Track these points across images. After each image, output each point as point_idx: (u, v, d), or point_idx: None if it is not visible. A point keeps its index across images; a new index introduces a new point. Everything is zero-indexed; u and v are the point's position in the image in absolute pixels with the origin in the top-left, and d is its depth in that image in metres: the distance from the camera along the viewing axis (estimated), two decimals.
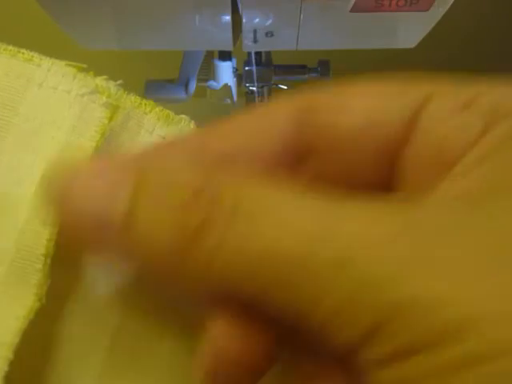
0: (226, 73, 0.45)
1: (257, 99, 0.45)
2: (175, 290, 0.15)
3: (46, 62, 0.17)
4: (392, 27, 0.35)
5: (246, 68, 0.44)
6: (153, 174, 0.11)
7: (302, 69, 0.45)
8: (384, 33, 0.36)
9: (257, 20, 0.34)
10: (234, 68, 0.45)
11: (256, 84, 0.44)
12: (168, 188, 0.11)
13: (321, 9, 0.33)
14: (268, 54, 0.44)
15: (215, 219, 0.10)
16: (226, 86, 0.44)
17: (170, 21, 0.34)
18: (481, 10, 0.67)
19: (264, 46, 0.38)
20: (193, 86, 0.44)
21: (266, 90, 0.46)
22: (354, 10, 0.32)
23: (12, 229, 0.15)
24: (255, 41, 0.36)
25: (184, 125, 0.17)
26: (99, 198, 0.11)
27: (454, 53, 0.69)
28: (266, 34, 0.35)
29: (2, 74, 0.16)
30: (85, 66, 0.17)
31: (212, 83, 0.45)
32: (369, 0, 0.32)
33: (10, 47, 0.17)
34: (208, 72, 0.45)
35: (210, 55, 0.45)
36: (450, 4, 0.33)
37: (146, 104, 0.17)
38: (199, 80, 0.45)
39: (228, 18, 0.34)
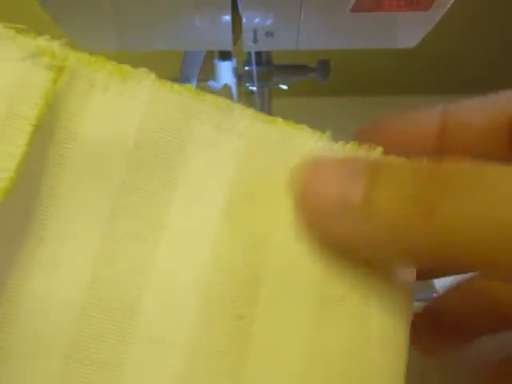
0: (225, 73, 0.45)
1: (257, 99, 0.45)
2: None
3: None
4: (392, 27, 0.35)
5: (246, 68, 0.44)
6: (385, 162, 0.13)
7: (302, 69, 0.45)
8: (384, 33, 0.36)
9: (257, 20, 0.34)
10: (233, 68, 0.45)
11: (256, 84, 0.44)
12: (402, 171, 0.12)
13: (321, 9, 0.33)
14: (268, 53, 0.44)
15: (448, 195, 0.11)
16: (226, 86, 0.44)
17: (170, 21, 0.34)
18: (480, 9, 0.67)
19: (264, 46, 0.38)
20: (193, 85, 0.44)
21: (266, 89, 0.45)
22: (354, 9, 0.32)
23: None
24: (255, 41, 0.36)
25: (143, 78, 0.17)
26: (341, 183, 0.13)
27: (455, 53, 0.69)
28: (266, 34, 0.35)
29: None
30: (23, 27, 0.16)
31: (212, 83, 0.45)
32: (369, 0, 0.32)
33: None
34: (208, 72, 0.45)
35: (209, 55, 0.44)
36: (450, 4, 0.33)
37: (96, 61, 0.16)
38: (199, 80, 0.45)
39: (228, 17, 0.34)
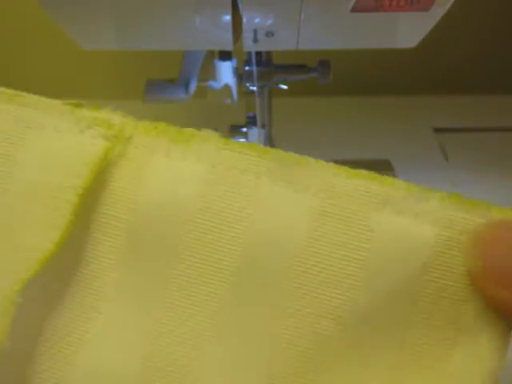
0: (226, 73, 0.45)
1: (257, 99, 0.45)
2: None
3: (43, 103, 0.16)
4: (392, 27, 0.35)
5: (246, 68, 0.44)
6: None
7: (302, 69, 0.45)
8: (384, 33, 0.36)
9: (257, 20, 0.34)
10: (234, 68, 0.45)
11: (256, 84, 0.44)
12: None
13: (321, 9, 0.33)
14: (268, 53, 0.44)
15: None
16: (227, 86, 0.44)
17: (170, 21, 0.34)
18: (480, 10, 0.67)
19: (264, 46, 0.38)
20: (193, 86, 0.44)
21: (266, 89, 0.45)
22: (355, 9, 0.32)
23: None
24: (255, 41, 0.36)
25: (203, 139, 0.16)
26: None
27: (454, 53, 0.69)
28: (267, 34, 0.35)
29: (4, 122, 0.16)
30: (83, 102, 0.16)
31: (212, 83, 0.45)
32: (369, 0, 0.32)
33: (8, 91, 0.16)
34: (208, 72, 0.45)
35: (210, 55, 0.44)
36: (450, 4, 0.33)
37: (155, 128, 0.16)
38: (199, 80, 0.45)
39: (228, 17, 0.34)
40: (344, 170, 0.17)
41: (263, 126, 0.47)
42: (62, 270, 0.15)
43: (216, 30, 0.34)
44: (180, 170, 0.16)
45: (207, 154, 0.16)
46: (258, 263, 0.16)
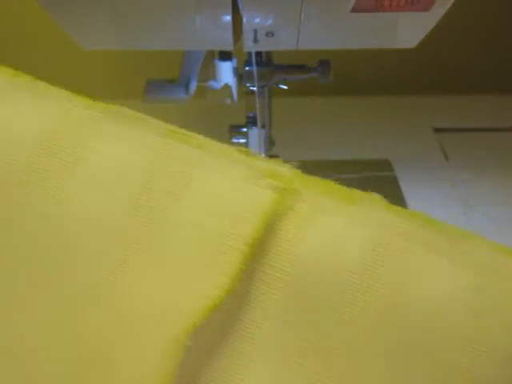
0: (226, 73, 0.44)
1: (257, 99, 0.45)
2: None
3: (217, 147, 0.16)
4: (392, 27, 0.35)
5: (247, 68, 0.44)
6: None
7: (302, 69, 0.45)
8: (384, 33, 0.36)
9: (257, 20, 0.34)
10: (234, 68, 0.45)
11: (256, 84, 0.44)
12: None
13: (321, 9, 0.33)
14: (268, 53, 0.44)
15: None
16: (227, 86, 0.44)
17: (170, 21, 0.34)
18: (480, 10, 0.67)
19: (264, 46, 0.38)
20: (193, 86, 0.44)
21: (266, 89, 0.45)
22: (355, 10, 0.32)
23: None
24: (255, 41, 0.36)
25: (370, 203, 0.16)
26: None
27: (455, 53, 0.69)
28: (267, 34, 0.35)
29: (173, 160, 0.16)
30: (254, 150, 0.16)
31: (212, 83, 0.45)
32: (369, 0, 0.32)
33: (182, 130, 0.16)
34: (208, 72, 0.45)
35: (210, 55, 0.44)
36: (450, 4, 0.33)
37: (323, 185, 0.16)
38: (199, 80, 0.44)
39: (228, 17, 0.34)
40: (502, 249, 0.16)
41: (263, 126, 0.47)
42: (224, 317, 0.15)
43: (216, 30, 0.34)
44: (345, 232, 0.16)
45: (374, 219, 0.16)
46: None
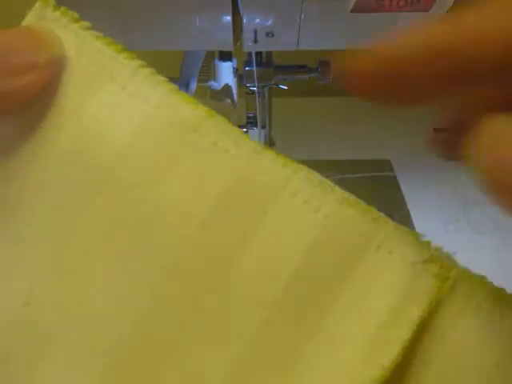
0: (226, 73, 0.45)
1: (257, 99, 0.45)
2: None
3: (390, 225, 0.16)
4: (392, 27, 0.35)
5: (247, 68, 0.44)
6: None
7: (302, 69, 0.45)
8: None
9: (257, 20, 0.34)
10: (234, 68, 0.45)
11: (256, 84, 0.44)
12: None
13: (321, 9, 0.33)
14: (268, 54, 0.44)
15: None
16: (227, 87, 0.44)
17: (171, 21, 0.34)
18: None
19: (264, 47, 0.38)
20: (193, 86, 0.44)
21: (266, 90, 0.46)
22: (355, 10, 0.32)
23: None
24: (256, 41, 0.36)
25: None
26: None
27: None
28: (267, 35, 0.35)
29: (348, 231, 0.16)
30: (421, 233, 0.16)
31: (212, 83, 0.45)
32: (369, 0, 0.32)
33: (361, 202, 0.17)
34: (208, 72, 0.45)
35: (210, 55, 0.45)
36: (450, 4, 0.33)
37: (476, 278, 0.16)
38: (200, 80, 0.45)
39: (228, 18, 0.34)
40: None
41: (263, 126, 0.48)
42: None
43: (216, 30, 0.35)
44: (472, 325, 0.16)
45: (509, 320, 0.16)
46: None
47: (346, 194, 0.16)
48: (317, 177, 0.16)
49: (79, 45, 0.17)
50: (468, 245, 0.45)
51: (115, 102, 0.16)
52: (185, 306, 0.16)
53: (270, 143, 0.50)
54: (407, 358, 0.16)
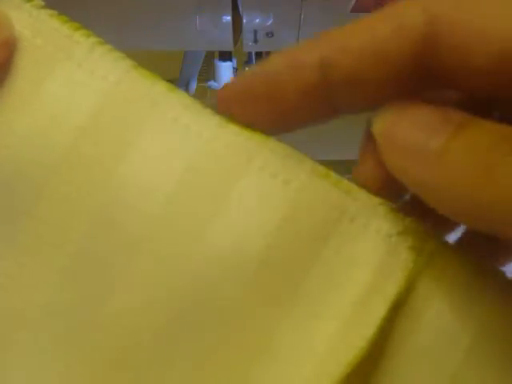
0: (226, 73, 0.45)
1: None
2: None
3: (362, 196, 0.16)
4: None
5: (247, 68, 0.44)
6: (469, 128, 0.14)
7: None
8: None
9: (257, 20, 0.34)
10: (234, 68, 0.45)
11: None
12: (480, 137, 0.13)
13: (321, 9, 0.33)
14: (268, 54, 0.44)
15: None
16: None
17: (171, 21, 0.34)
18: None
19: (264, 47, 0.38)
20: (193, 86, 0.44)
21: None
22: (355, 10, 0.32)
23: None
24: (255, 41, 0.36)
25: None
26: (421, 134, 0.14)
27: None
28: (267, 35, 0.35)
29: (319, 204, 0.16)
30: (395, 206, 0.16)
31: (212, 83, 0.45)
32: (369, 0, 0.32)
33: (332, 174, 0.16)
34: (208, 72, 0.45)
35: (210, 55, 0.45)
36: None
37: (452, 250, 0.16)
38: (199, 80, 0.45)
39: (228, 18, 0.34)
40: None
41: None
42: (367, 368, 0.16)
43: (216, 30, 0.34)
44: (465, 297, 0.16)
45: None
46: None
47: (317, 165, 0.16)
48: (285, 148, 0.16)
49: (33, 25, 0.16)
50: None
51: (73, 80, 0.16)
52: (150, 285, 0.16)
53: None
54: (383, 337, 0.16)
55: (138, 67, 0.16)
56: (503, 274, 0.16)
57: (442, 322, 0.16)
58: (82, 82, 0.16)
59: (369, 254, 0.16)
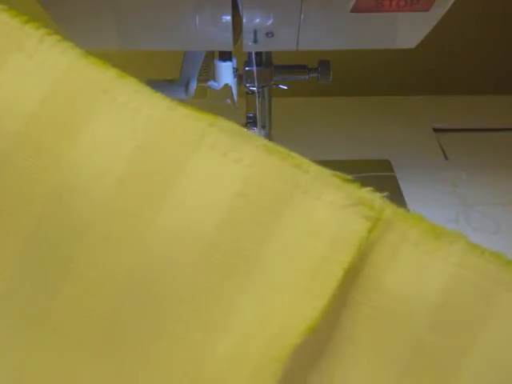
0: (226, 73, 0.44)
1: (257, 99, 0.45)
2: None
3: (314, 168, 0.16)
4: (392, 27, 0.35)
5: (247, 68, 0.44)
6: None
7: (302, 69, 0.45)
8: (384, 33, 0.36)
9: (257, 20, 0.34)
10: (234, 68, 0.45)
11: (256, 84, 0.44)
12: None
13: (321, 9, 0.33)
14: (268, 54, 0.44)
15: None
16: (227, 87, 0.44)
17: (170, 21, 0.34)
18: (480, 10, 0.67)
19: (264, 47, 0.38)
20: (193, 86, 0.44)
21: (266, 90, 0.45)
22: (355, 10, 0.32)
23: None
24: (255, 41, 0.36)
25: (455, 240, 0.16)
26: None
27: (454, 53, 0.69)
28: (267, 35, 0.35)
29: (271, 178, 0.16)
30: (350, 177, 0.16)
31: (212, 83, 0.45)
32: (369, 0, 0.32)
33: (281, 149, 0.16)
34: (208, 72, 0.45)
35: (210, 55, 0.44)
36: (451, 4, 0.33)
37: (411, 217, 0.16)
38: (199, 80, 0.45)
39: (228, 18, 0.34)
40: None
41: (263, 126, 0.47)
42: (316, 338, 0.16)
43: (216, 30, 0.35)
44: (426, 263, 0.16)
45: (454, 254, 0.16)
46: None
47: (266, 142, 0.16)
48: (234, 126, 0.16)
49: None
50: None
51: (23, 70, 0.16)
52: (102, 266, 0.16)
53: None
54: (339, 304, 0.16)
55: (87, 56, 0.17)
56: (466, 239, 0.16)
57: (401, 286, 0.16)
58: (33, 72, 0.16)
59: (323, 225, 0.16)
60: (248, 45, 0.36)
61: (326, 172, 0.16)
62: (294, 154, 0.16)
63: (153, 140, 0.16)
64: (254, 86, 0.45)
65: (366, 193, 0.16)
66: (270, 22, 0.34)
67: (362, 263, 0.16)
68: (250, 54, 0.43)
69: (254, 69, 0.43)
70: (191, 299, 0.16)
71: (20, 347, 0.16)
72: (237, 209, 0.16)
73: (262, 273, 0.16)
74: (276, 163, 0.16)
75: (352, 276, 0.16)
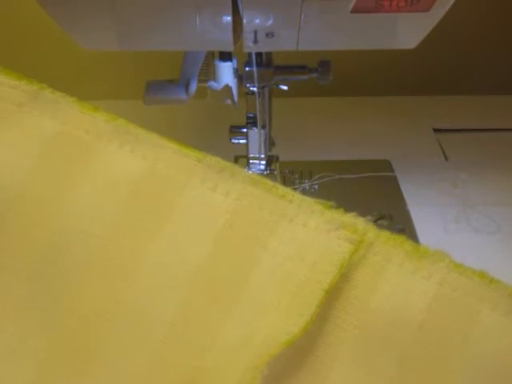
0: (226, 73, 0.45)
1: (257, 100, 0.45)
2: None
3: (297, 198, 0.17)
4: (392, 28, 0.35)
5: (247, 68, 0.44)
6: None
7: (302, 69, 0.45)
8: (384, 33, 0.36)
9: (257, 20, 0.34)
10: (234, 68, 0.45)
11: (256, 84, 0.44)
12: None
13: (321, 9, 0.33)
14: (268, 54, 0.44)
15: None
16: (227, 87, 0.44)
17: (170, 21, 0.34)
18: (480, 10, 0.67)
19: (264, 47, 0.38)
20: (193, 86, 0.44)
21: (266, 90, 0.46)
22: (355, 10, 0.32)
23: None
24: (256, 41, 0.36)
25: (438, 260, 0.17)
26: None
27: (454, 54, 0.69)
28: (267, 35, 0.35)
29: (257, 210, 0.17)
30: (332, 203, 0.17)
31: (212, 84, 0.45)
32: (369, 1, 0.32)
33: (265, 180, 0.17)
34: (208, 73, 0.45)
35: (210, 56, 0.45)
36: (451, 4, 0.33)
37: (394, 239, 0.17)
38: (199, 80, 0.45)
39: (228, 18, 0.34)
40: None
41: (263, 127, 0.48)
42: (296, 352, 0.17)
43: (216, 30, 0.35)
44: (410, 283, 0.17)
45: (437, 274, 0.17)
46: None
47: (251, 175, 0.18)
48: (220, 162, 0.18)
49: None
50: (468, 245, 0.45)
51: (23, 124, 0.18)
52: (105, 299, 0.17)
53: (270, 143, 0.50)
54: (325, 324, 0.17)
55: (81, 102, 0.18)
56: (449, 258, 0.17)
57: (388, 304, 0.17)
58: (32, 125, 0.18)
59: (307, 249, 0.17)
60: (248, 45, 0.36)
61: (308, 200, 0.18)
62: (277, 185, 0.18)
63: (146, 180, 0.18)
64: (254, 86, 0.45)
65: (349, 217, 0.18)
66: (271, 22, 0.34)
67: (346, 284, 0.17)
68: (250, 54, 0.43)
69: (254, 69, 0.43)
70: (181, 324, 0.17)
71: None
72: (225, 239, 0.17)
73: (249, 298, 0.17)
74: (261, 195, 0.18)
75: (336, 296, 0.17)
